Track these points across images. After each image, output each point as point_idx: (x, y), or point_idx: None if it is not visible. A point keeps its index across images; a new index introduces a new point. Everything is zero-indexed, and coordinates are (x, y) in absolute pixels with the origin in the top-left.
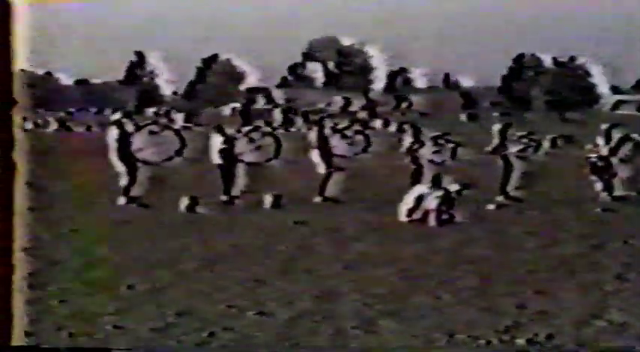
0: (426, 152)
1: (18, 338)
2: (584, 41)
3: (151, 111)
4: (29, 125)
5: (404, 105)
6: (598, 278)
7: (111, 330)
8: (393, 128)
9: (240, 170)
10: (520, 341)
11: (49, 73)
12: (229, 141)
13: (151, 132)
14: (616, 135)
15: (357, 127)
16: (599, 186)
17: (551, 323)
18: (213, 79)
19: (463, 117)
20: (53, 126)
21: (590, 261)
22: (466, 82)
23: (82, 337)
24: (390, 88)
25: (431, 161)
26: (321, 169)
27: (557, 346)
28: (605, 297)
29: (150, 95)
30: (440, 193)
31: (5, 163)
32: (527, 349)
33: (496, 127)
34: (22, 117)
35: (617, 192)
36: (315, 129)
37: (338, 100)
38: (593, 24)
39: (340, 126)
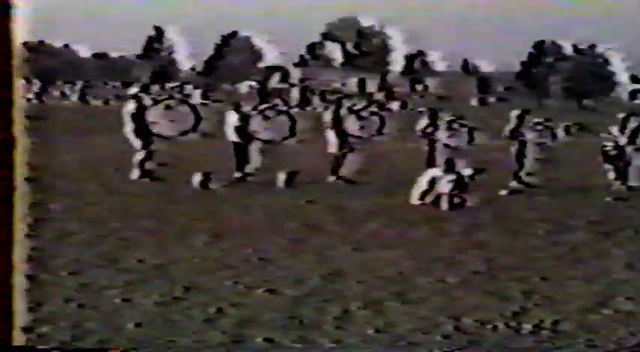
0: (441, 135)
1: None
2: (606, 29)
3: (168, 86)
4: (44, 97)
5: (419, 88)
6: (607, 266)
7: (118, 303)
8: (409, 110)
9: (255, 148)
10: (527, 327)
11: (66, 46)
12: (245, 118)
13: (167, 107)
14: (632, 124)
15: (373, 109)
16: (612, 174)
17: (557, 309)
18: (231, 56)
19: (474, 102)
20: (70, 98)
21: (600, 249)
22: (485, 67)
23: (90, 309)
24: (407, 70)
25: (446, 145)
26: (336, 149)
27: (563, 332)
28: (613, 286)
29: (167, 70)
30: (453, 177)
31: (6, 136)
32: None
33: (514, 113)
34: (39, 88)
35: (631, 182)
36: (331, 109)
37: (355, 81)
38: (615, 12)
39: (356, 107)
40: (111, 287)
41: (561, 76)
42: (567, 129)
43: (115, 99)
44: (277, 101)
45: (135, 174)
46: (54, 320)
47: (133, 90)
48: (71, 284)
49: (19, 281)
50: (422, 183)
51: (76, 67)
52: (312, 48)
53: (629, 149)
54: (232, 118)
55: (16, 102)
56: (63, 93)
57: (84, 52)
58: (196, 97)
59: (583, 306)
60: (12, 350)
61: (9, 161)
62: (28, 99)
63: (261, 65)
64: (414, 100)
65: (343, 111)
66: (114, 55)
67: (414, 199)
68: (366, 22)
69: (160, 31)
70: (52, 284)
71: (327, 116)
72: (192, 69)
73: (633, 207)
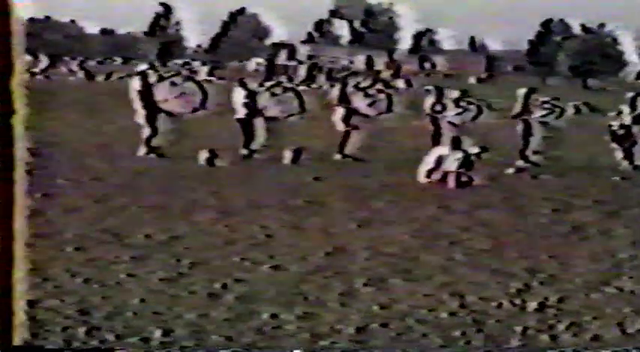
0: (449, 114)
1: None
2: (615, 8)
3: (176, 62)
4: (51, 73)
5: (427, 66)
6: (612, 245)
7: (124, 278)
8: (415, 88)
9: (261, 124)
10: (531, 304)
11: (72, 21)
12: (251, 95)
13: (173, 84)
14: None
15: (379, 86)
16: (619, 154)
17: (562, 287)
18: (238, 33)
19: (472, 80)
20: (77, 74)
21: (605, 228)
22: (493, 46)
23: (96, 284)
24: (415, 48)
25: (451, 123)
26: (342, 127)
27: (567, 310)
28: (617, 265)
29: (173, 47)
30: (459, 155)
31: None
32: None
33: (521, 91)
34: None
35: (638, 161)
36: (337, 86)
37: (362, 59)
38: None
39: (363, 85)
40: (116, 263)
41: (568, 54)
42: (577, 109)
43: (120, 76)
44: (283, 78)
45: (141, 150)
46: (60, 295)
47: (141, 67)
48: (77, 260)
49: (20, 254)
50: (429, 160)
51: (83, 43)
52: (319, 25)
53: (636, 128)
54: (239, 95)
55: (17, 78)
56: (70, 70)
57: (90, 28)
58: (202, 74)
59: (588, 285)
60: (12, 350)
61: (10, 137)
62: (33, 75)
63: (268, 42)
64: (420, 78)
65: (350, 89)
66: (121, 31)
67: (421, 177)
68: None
69: (167, 8)
70: (58, 259)
71: (334, 93)
72: (199, 46)
73: (639, 187)
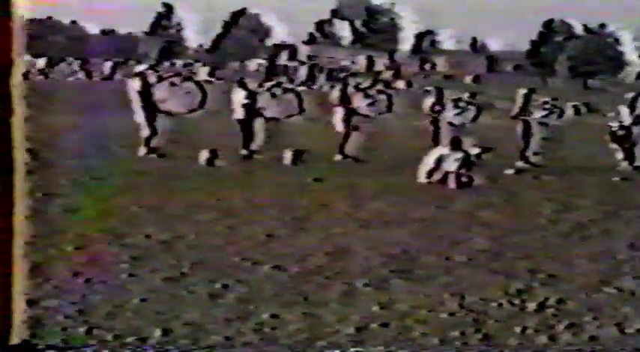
0: (448, 114)
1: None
2: (617, 8)
3: (178, 63)
4: (50, 73)
5: (427, 67)
6: (612, 245)
7: (125, 278)
8: (416, 89)
9: (261, 125)
10: (531, 305)
11: (74, 22)
12: (251, 95)
13: (173, 84)
14: None
15: (380, 87)
16: (619, 155)
17: (562, 288)
18: (239, 34)
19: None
20: (77, 74)
21: (605, 229)
22: (494, 46)
23: (98, 284)
24: (416, 49)
25: (450, 123)
26: (342, 127)
27: (567, 311)
28: (617, 265)
29: (174, 47)
30: (460, 156)
31: (5, 110)
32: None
33: (520, 92)
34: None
35: (638, 162)
36: (338, 87)
37: (362, 59)
38: None
39: (363, 86)
40: (118, 263)
41: (569, 55)
42: (577, 109)
43: (122, 76)
44: (282, 79)
45: (141, 151)
46: (61, 295)
47: (140, 67)
48: (78, 260)
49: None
50: (429, 161)
51: (84, 43)
52: (321, 25)
53: (636, 129)
54: (239, 95)
55: (15, 78)
56: (71, 70)
57: (92, 28)
58: (202, 74)
59: (587, 285)
60: (11, 350)
61: (9, 137)
62: (27, 77)
63: (269, 43)
64: (421, 79)
65: (350, 90)
66: (122, 31)
67: (422, 177)
68: (375, 0)
69: (169, 8)
70: (59, 259)
71: (334, 94)
72: (200, 46)
73: (639, 187)
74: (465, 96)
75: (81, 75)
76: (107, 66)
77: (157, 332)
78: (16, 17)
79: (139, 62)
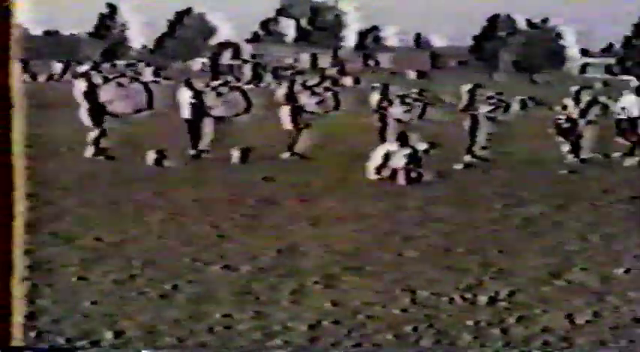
0: (395, 111)
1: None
2: (558, 3)
3: (120, 63)
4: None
5: (371, 63)
6: (561, 238)
7: (75, 281)
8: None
9: (209, 124)
10: (482, 299)
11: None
12: (198, 95)
13: (119, 85)
14: (585, 97)
15: (326, 84)
16: (565, 147)
17: (513, 281)
18: (183, 33)
19: (413, 75)
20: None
21: (554, 221)
22: (438, 42)
23: (45, 288)
24: (360, 46)
25: (397, 119)
26: (290, 125)
27: (519, 303)
28: (567, 257)
29: (118, 48)
30: (407, 151)
31: None
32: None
33: (465, 87)
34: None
35: (584, 154)
36: (284, 85)
37: (307, 57)
38: None
39: (310, 83)
40: (67, 266)
41: (512, 49)
42: (523, 103)
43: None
44: (229, 77)
45: (89, 152)
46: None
47: (84, 68)
48: (25, 263)
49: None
50: (377, 157)
51: (26, 44)
52: (265, 24)
53: (581, 122)
54: (185, 95)
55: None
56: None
57: (34, 29)
58: (148, 75)
59: (538, 278)
60: (11, 351)
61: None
62: None
63: (213, 41)
64: (366, 76)
65: (297, 87)
66: (65, 32)
67: (370, 174)
68: None
69: (112, 8)
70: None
71: (281, 92)
72: (144, 46)
73: (586, 180)
74: (413, 92)
75: (25, 76)
76: (57, 67)
77: (109, 335)
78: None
79: (79, 63)
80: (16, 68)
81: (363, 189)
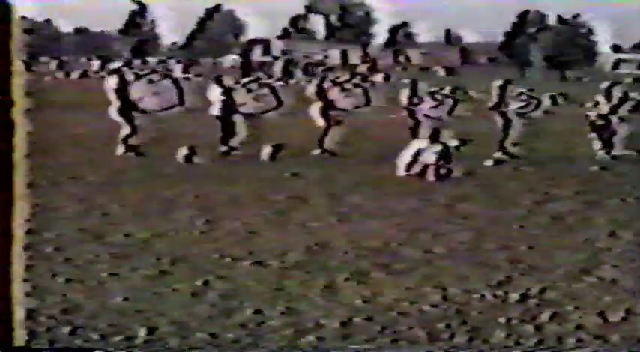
0: (425, 107)
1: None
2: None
3: (151, 61)
4: (26, 74)
5: (401, 59)
6: (592, 235)
7: (106, 277)
8: (393, 81)
9: (239, 121)
10: (513, 295)
11: (48, 21)
12: (228, 92)
13: (150, 82)
14: (616, 94)
15: (356, 81)
16: (597, 144)
17: (543, 278)
18: (214, 30)
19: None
20: (52, 73)
21: (585, 218)
22: (469, 38)
23: (77, 283)
24: (391, 42)
25: (427, 116)
26: (320, 122)
27: (549, 301)
28: (597, 254)
29: (148, 45)
30: (438, 148)
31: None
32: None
33: (496, 83)
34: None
35: (616, 151)
36: (314, 81)
37: (337, 53)
38: None
39: (340, 80)
40: (98, 262)
41: (543, 46)
42: (554, 99)
43: (96, 74)
44: (260, 74)
45: (119, 149)
46: (41, 295)
47: (115, 65)
48: (58, 259)
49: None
50: (407, 154)
51: (58, 42)
52: (295, 21)
53: (613, 118)
54: (215, 92)
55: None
56: (48, 69)
57: (65, 27)
58: (177, 71)
59: (568, 274)
60: (12, 350)
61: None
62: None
63: (243, 38)
64: (396, 72)
65: (327, 84)
66: (95, 29)
67: (400, 170)
68: None
69: (142, 6)
70: (38, 259)
71: (311, 89)
72: (174, 43)
73: (618, 176)
74: (444, 88)
75: (58, 74)
76: (96, 64)
77: (142, 331)
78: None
79: (111, 60)
80: (19, 66)
81: (392, 185)
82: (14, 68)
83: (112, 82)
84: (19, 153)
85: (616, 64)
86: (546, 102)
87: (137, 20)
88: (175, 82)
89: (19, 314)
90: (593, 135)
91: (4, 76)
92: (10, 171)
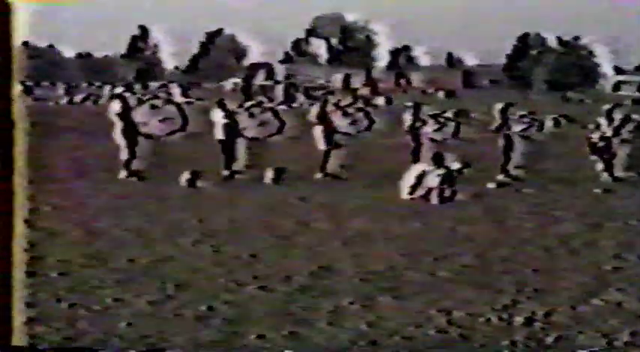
0: (428, 130)
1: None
2: (590, 21)
3: (153, 85)
4: (28, 99)
5: (403, 82)
6: (596, 257)
7: (110, 302)
8: (395, 105)
9: (242, 145)
10: (518, 319)
11: (51, 46)
12: (231, 116)
13: (153, 107)
14: (617, 115)
15: (359, 104)
16: (599, 166)
17: (548, 301)
18: (216, 54)
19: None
20: (56, 99)
21: (589, 241)
22: (470, 61)
23: (82, 309)
24: (392, 65)
25: (431, 139)
26: (323, 146)
27: (555, 324)
28: (602, 276)
29: (151, 69)
30: (441, 171)
31: (4, 137)
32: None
33: (498, 106)
34: (23, 90)
35: (618, 173)
36: (317, 105)
37: (340, 77)
38: (598, 3)
39: (342, 103)
40: (102, 287)
41: (544, 68)
42: (556, 121)
43: (98, 99)
44: (262, 98)
45: (122, 173)
46: (46, 321)
47: (118, 90)
48: (62, 285)
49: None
50: (411, 177)
51: (61, 67)
52: (297, 44)
53: (615, 140)
54: (218, 116)
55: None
56: (51, 94)
57: (68, 52)
58: (178, 96)
59: (574, 298)
60: (12, 350)
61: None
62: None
63: (245, 62)
64: (398, 95)
65: (329, 108)
66: (97, 54)
67: (404, 194)
68: (350, 17)
69: (144, 30)
70: (43, 285)
71: (313, 113)
72: (177, 67)
73: (621, 198)
74: (446, 111)
75: (60, 99)
76: (106, 89)
77: None
78: (16, 42)
79: (114, 85)
80: (17, 90)
81: (397, 209)
82: (15, 93)
83: (115, 106)
84: (20, 178)
85: (617, 86)
86: (549, 124)
87: (139, 44)
88: (178, 106)
89: (22, 339)
90: (594, 157)
91: (5, 101)
92: (11, 197)
